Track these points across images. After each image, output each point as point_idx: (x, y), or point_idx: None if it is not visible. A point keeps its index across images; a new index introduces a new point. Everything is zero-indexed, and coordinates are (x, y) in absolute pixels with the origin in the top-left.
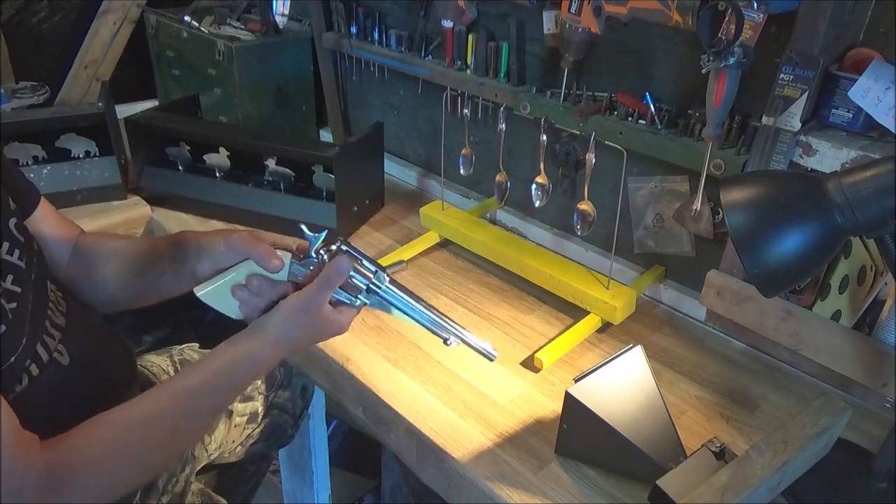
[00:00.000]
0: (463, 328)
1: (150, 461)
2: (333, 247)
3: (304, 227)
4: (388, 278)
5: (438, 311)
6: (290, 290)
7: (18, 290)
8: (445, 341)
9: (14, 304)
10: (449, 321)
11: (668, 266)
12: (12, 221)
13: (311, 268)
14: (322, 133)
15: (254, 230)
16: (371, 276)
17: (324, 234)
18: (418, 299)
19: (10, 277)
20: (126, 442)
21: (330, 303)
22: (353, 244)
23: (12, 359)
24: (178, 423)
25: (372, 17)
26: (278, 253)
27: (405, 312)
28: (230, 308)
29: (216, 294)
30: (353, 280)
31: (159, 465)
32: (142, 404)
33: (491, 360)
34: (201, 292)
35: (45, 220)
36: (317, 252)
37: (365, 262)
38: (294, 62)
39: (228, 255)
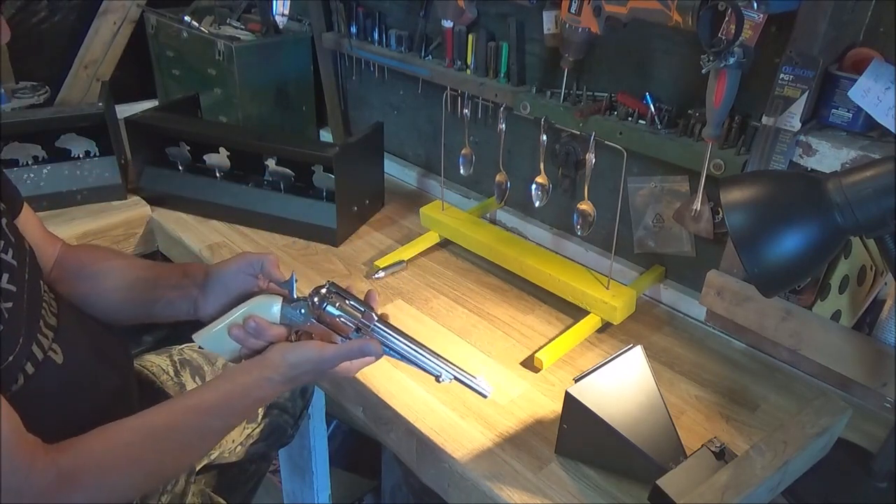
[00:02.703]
0: (456, 366)
1: (159, 472)
2: (323, 290)
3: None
4: (376, 318)
5: (430, 349)
6: (285, 333)
7: (14, 288)
8: (437, 378)
9: (10, 304)
10: (441, 359)
11: (668, 266)
12: (3, 221)
13: (303, 310)
14: (322, 133)
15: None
16: (359, 315)
17: (292, 275)
18: (409, 338)
19: (5, 276)
20: (139, 450)
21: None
22: (339, 286)
23: (10, 359)
24: (190, 437)
25: (372, 17)
26: (270, 297)
27: (396, 352)
28: (228, 351)
29: (214, 338)
30: (342, 320)
31: (166, 476)
32: (155, 416)
33: (485, 397)
34: (199, 338)
35: (28, 225)
36: (308, 296)
37: (353, 303)
38: (294, 62)
39: (237, 273)
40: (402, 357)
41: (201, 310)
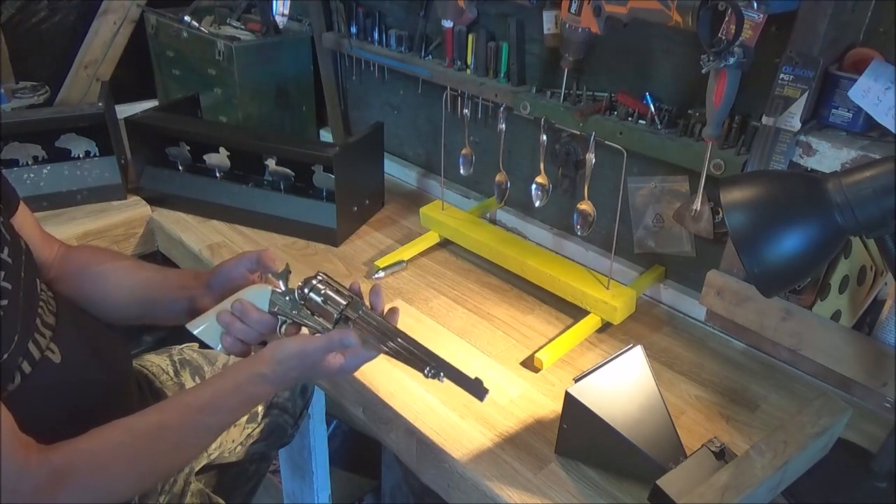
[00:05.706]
0: (452, 366)
1: (153, 470)
2: (314, 281)
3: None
4: (361, 307)
5: (422, 345)
6: (271, 321)
7: (9, 286)
8: (425, 374)
9: (5, 301)
10: (435, 358)
11: (668, 266)
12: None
13: (289, 298)
14: (322, 133)
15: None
16: (343, 304)
17: (286, 265)
18: (398, 332)
19: (1, 274)
20: (131, 449)
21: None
22: (330, 276)
23: (5, 356)
24: (184, 435)
25: (372, 17)
26: (261, 286)
27: (382, 346)
28: (215, 339)
29: (203, 324)
30: (327, 307)
31: (160, 475)
32: (149, 415)
33: (480, 399)
34: (192, 326)
35: (24, 224)
36: (299, 287)
37: (341, 291)
38: (294, 62)
39: (236, 268)
40: (387, 352)
41: (202, 308)
